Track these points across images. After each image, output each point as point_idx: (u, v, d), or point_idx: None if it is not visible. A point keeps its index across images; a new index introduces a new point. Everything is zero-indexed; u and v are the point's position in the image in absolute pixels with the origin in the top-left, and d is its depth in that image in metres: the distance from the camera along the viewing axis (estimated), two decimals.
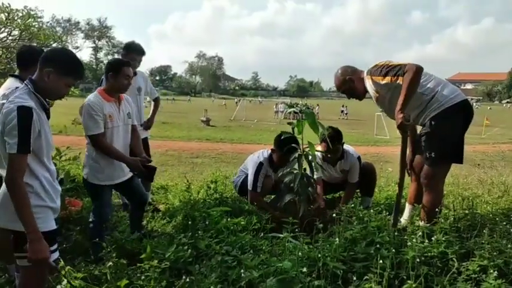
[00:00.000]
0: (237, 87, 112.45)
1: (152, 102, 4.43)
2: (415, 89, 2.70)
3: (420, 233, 2.36)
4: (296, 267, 2.01)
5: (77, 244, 3.09)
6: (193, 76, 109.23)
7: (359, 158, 3.89)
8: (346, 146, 3.88)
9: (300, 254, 2.20)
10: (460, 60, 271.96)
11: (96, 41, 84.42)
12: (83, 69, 2.07)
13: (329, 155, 3.72)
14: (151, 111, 4.32)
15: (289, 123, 3.14)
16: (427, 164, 2.88)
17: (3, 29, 4.63)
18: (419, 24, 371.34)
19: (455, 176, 4.99)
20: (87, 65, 73.86)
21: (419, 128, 3.11)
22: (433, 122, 2.82)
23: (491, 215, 3.17)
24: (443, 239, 2.29)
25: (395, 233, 2.50)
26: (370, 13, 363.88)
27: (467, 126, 2.91)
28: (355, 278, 2.01)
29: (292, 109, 3.28)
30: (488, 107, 49.40)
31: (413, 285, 1.88)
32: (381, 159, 9.11)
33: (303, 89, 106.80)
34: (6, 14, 4.43)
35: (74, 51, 2.23)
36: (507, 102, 73.36)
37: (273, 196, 4.04)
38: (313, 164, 3.05)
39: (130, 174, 3.04)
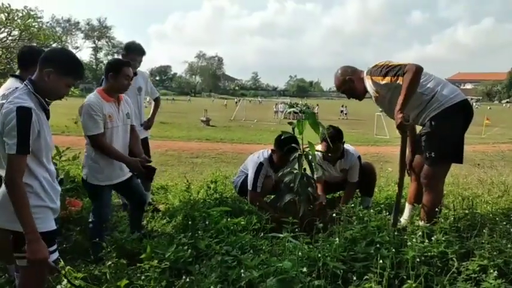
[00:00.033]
0: (236, 87, 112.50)
1: (152, 102, 4.43)
2: (415, 89, 2.71)
3: (420, 233, 2.36)
4: (296, 267, 2.01)
5: (77, 244, 3.09)
6: (193, 76, 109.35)
7: (359, 158, 3.89)
8: (346, 145, 3.88)
9: (300, 253, 2.20)
10: (460, 60, 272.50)
11: (96, 41, 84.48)
12: (83, 69, 2.07)
13: (329, 154, 3.73)
14: (151, 111, 4.32)
15: (290, 123, 3.14)
16: (427, 163, 2.88)
17: (3, 29, 4.63)
18: (419, 24, 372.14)
19: (455, 175, 5.00)
20: (87, 65, 73.88)
21: (418, 128, 3.11)
22: (433, 122, 2.82)
23: (491, 215, 3.17)
24: (443, 238, 2.29)
25: (395, 233, 2.50)
26: (370, 13, 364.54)
27: (467, 126, 2.91)
28: (355, 278, 2.01)
29: (292, 109, 3.29)
30: (488, 107, 49.37)
31: (413, 285, 1.88)
32: (380, 159, 9.11)
33: (302, 89, 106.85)
34: (6, 14, 4.44)
35: (73, 51, 2.24)
36: (507, 102, 73.43)
37: (272, 196, 4.05)
38: (313, 164, 3.05)
39: (129, 174, 3.04)
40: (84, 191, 3.92)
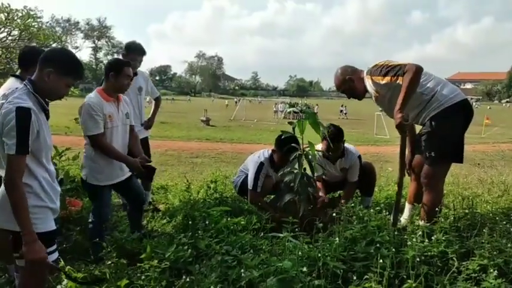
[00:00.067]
0: (236, 87, 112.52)
1: (153, 102, 4.43)
2: (415, 89, 2.71)
3: (420, 233, 2.36)
4: (296, 267, 2.01)
5: (77, 244, 3.09)
6: (193, 76, 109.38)
7: (359, 157, 3.89)
8: (347, 145, 3.88)
9: (300, 253, 2.20)
10: (460, 60, 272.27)
11: (96, 41, 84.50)
12: (83, 69, 2.07)
13: (330, 153, 3.73)
14: (152, 111, 4.32)
15: (290, 123, 3.14)
16: (427, 163, 2.88)
17: (2, 29, 4.63)
18: (419, 24, 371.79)
19: (455, 175, 5.00)
20: (87, 65, 73.90)
21: (418, 128, 3.11)
22: (433, 122, 2.82)
23: (491, 214, 3.18)
24: (443, 238, 2.29)
25: (395, 233, 2.50)
26: (370, 13, 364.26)
27: (468, 126, 2.91)
28: (355, 278, 2.01)
29: (292, 109, 3.29)
30: (488, 107, 49.42)
31: (414, 285, 1.88)
32: (380, 159, 9.11)
33: (302, 88, 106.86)
34: (6, 14, 4.44)
35: (73, 51, 2.24)
36: (507, 101, 73.43)
37: (272, 196, 4.05)
38: (313, 164, 3.05)
39: (129, 174, 3.04)
40: (84, 191, 3.93)
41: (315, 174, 3.17)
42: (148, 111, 4.30)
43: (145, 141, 3.98)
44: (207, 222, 2.88)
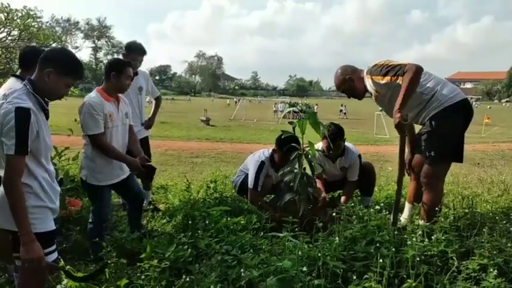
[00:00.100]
0: (236, 87, 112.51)
1: (153, 102, 4.43)
2: (415, 88, 2.71)
3: (420, 232, 2.35)
4: (296, 267, 2.01)
5: (76, 244, 3.09)
6: (193, 76, 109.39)
7: (359, 156, 3.89)
8: (347, 144, 3.88)
9: (299, 253, 2.20)
10: (460, 60, 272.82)
11: (96, 41, 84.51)
12: (83, 69, 2.07)
13: (330, 151, 3.73)
14: (152, 111, 4.32)
15: (290, 123, 3.14)
16: (427, 163, 2.88)
17: (2, 29, 4.62)
18: (419, 24, 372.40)
19: (455, 174, 5.00)
20: (87, 65, 73.92)
21: (417, 128, 3.11)
22: (433, 121, 2.82)
23: (491, 214, 3.17)
24: (443, 237, 2.29)
25: (395, 232, 2.50)
26: (370, 13, 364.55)
27: (467, 125, 2.91)
28: (355, 277, 2.01)
29: (292, 108, 3.29)
30: (488, 106, 49.38)
31: (413, 284, 1.88)
32: (380, 159, 9.11)
33: (302, 88, 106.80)
34: (6, 14, 4.43)
35: (73, 51, 2.24)
36: (506, 101, 73.42)
37: (272, 196, 4.05)
38: (313, 163, 3.06)
39: (128, 173, 3.04)
40: (84, 191, 3.93)
41: (315, 172, 3.17)
42: (148, 111, 4.31)
43: (145, 141, 3.98)
44: (207, 221, 2.88)
